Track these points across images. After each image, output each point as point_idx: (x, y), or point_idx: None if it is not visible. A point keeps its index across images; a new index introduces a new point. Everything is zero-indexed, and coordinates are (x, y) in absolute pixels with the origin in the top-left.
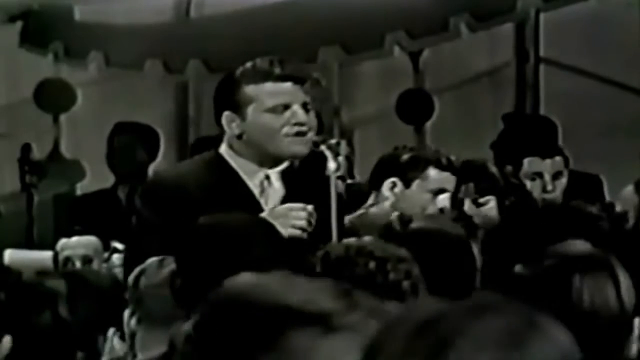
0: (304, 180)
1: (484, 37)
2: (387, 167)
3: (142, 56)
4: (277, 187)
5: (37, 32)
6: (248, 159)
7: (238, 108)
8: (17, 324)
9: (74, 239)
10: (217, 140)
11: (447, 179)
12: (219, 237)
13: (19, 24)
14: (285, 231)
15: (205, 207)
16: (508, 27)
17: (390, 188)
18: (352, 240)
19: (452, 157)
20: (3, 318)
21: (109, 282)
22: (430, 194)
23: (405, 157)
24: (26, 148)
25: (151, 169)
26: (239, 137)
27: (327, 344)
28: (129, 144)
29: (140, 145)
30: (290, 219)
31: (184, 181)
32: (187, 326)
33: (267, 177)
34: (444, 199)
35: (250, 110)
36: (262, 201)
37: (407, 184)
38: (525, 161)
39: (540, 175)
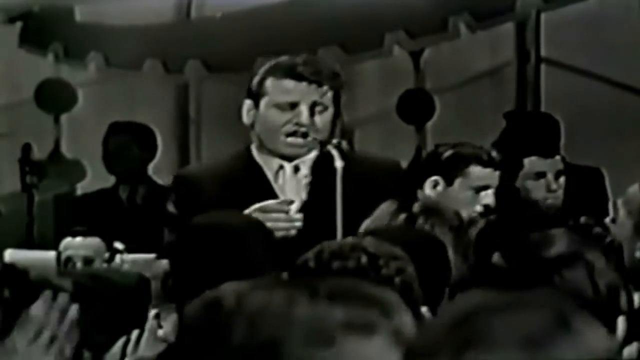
0: (324, 172)
1: (485, 36)
2: (428, 165)
3: (141, 56)
4: (291, 178)
5: (37, 32)
6: (265, 153)
7: (257, 98)
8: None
9: (78, 239)
10: None
11: (490, 175)
12: (211, 236)
13: (18, 25)
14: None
15: (221, 202)
16: (509, 27)
17: (432, 187)
18: (349, 238)
19: (493, 154)
20: (8, 316)
21: (135, 281)
22: (473, 191)
23: (446, 155)
24: (27, 148)
25: (151, 168)
26: (252, 127)
27: None
28: (124, 143)
29: (135, 145)
30: (267, 221)
31: (202, 175)
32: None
33: (282, 167)
34: (486, 195)
35: (262, 102)
36: (279, 193)
37: (449, 182)
38: (527, 161)
39: (542, 175)
